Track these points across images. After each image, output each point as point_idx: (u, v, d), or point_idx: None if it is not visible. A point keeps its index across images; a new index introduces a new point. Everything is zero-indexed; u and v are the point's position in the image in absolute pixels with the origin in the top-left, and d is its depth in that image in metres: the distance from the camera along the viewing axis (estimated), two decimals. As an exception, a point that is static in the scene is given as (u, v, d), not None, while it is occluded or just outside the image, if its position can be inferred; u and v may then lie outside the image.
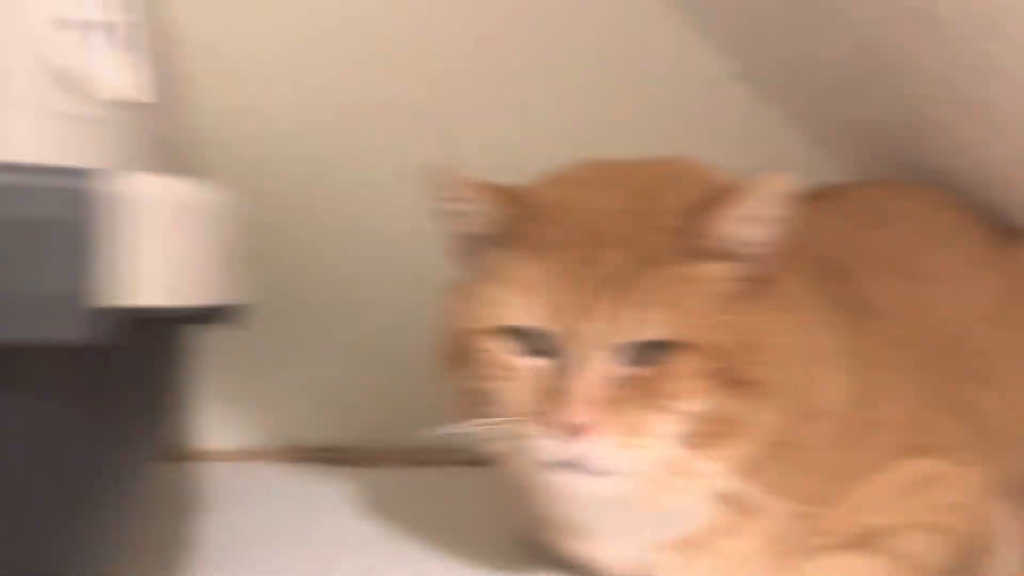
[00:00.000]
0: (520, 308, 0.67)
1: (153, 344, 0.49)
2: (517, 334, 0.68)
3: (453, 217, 0.72)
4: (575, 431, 0.64)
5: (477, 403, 0.70)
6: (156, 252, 0.32)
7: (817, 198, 0.99)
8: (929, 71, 0.88)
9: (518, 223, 0.70)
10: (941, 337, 0.85)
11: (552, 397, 0.65)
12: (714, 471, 0.67)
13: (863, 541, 0.73)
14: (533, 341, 0.68)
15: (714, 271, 0.67)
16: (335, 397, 1.20)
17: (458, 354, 0.71)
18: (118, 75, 0.34)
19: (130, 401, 0.45)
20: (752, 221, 0.67)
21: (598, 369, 0.65)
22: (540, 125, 1.18)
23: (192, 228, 0.34)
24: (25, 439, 0.34)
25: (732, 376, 0.65)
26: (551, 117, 1.19)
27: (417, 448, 1.16)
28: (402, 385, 1.09)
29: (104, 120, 0.34)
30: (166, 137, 0.43)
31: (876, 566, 0.72)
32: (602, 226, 0.67)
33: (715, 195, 0.67)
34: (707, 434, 0.66)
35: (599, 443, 0.64)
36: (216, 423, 1.19)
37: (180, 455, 1.14)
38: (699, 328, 0.65)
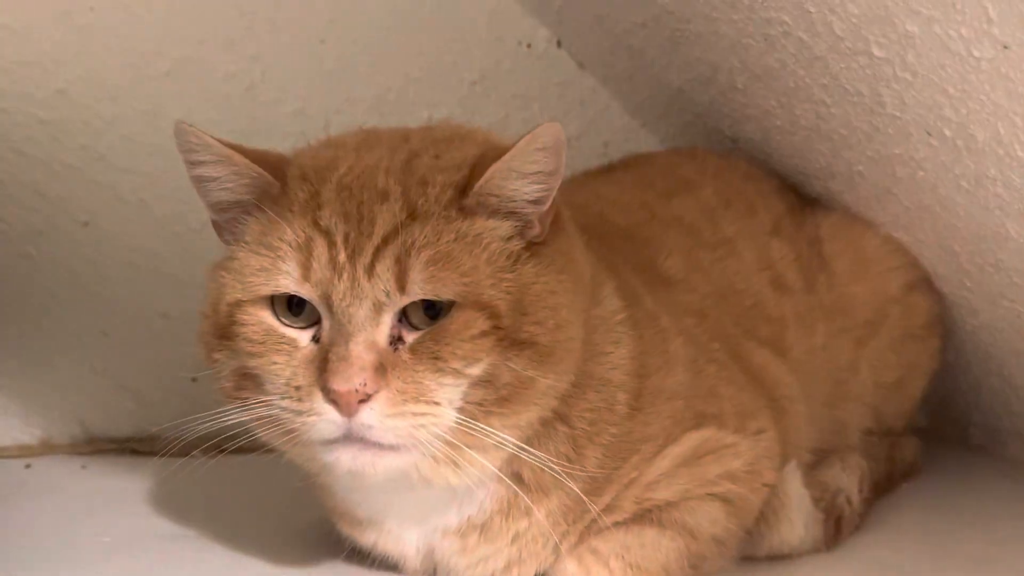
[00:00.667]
0: (282, 273, 0.62)
1: None
2: (284, 303, 0.63)
3: (206, 182, 0.66)
4: (348, 400, 0.59)
5: (243, 384, 0.65)
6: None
7: (618, 167, 0.98)
8: (726, 37, 0.88)
9: (276, 186, 0.65)
10: (733, 305, 0.85)
11: (321, 366, 0.60)
12: (499, 440, 0.63)
13: (651, 516, 0.72)
14: (304, 310, 0.63)
15: (489, 228, 0.64)
16: (135, 384, 1.11)
17: (221, 331, 0.65)
18: None
19: None
20: (523, 175, 0.64)
21: (369, 332, 0.60)
22: (347, 89, 1.13)
23: None
24: None
25: (512, 337, 0.62)
26: (360, 80, 1.13)
27: (225, 436, 1.11)
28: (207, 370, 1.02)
29: None
30: None
31: (664, 540, 0.71)
32: (372, 183, 0.63)
33: (488, 152, 0.65)
34: (490, 400, 0.63)
35: (375, 412, 0.60)
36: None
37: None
38: (476, 286, 0.62)
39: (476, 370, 0.62)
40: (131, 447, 1.09)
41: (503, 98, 1.16)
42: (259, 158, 0.65)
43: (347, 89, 1.12)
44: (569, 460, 0.68)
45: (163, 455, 1.04)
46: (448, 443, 0.62)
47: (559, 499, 0.69)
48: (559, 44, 1.15)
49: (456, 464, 0.64)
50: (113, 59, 1.05)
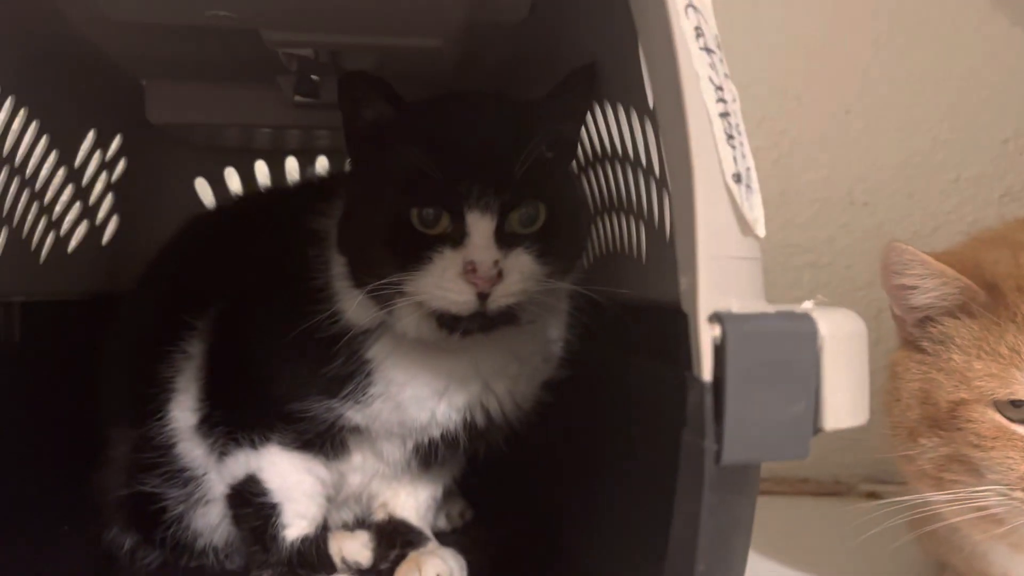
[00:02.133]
0: (1019, 382, 0.67)
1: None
2: (1011, 404, 0.68)
3: (908, 290, 0.72)
4: None
5: (951, 468, 0.70)
6: (844, 378, 0.39)
7: None
8: None
9: (983, 295, 0.69)
10: None
11: None
12: None
13: None
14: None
15: None
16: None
17: (937, 422, 0.71)
18: (760, 215, 0.41)
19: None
20: None
21: None
22: (872, 155, 1.18)
23: (859, 354, 0.40)
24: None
25: None
26: (886, 146, 1.18)
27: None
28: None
29: (759, 258, 0.42)
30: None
31: None
32: None
33: None
34: None
35: None
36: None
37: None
38: None
39: None
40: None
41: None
42: (966, 269, 0.70)
43: (872, 155, 1.18)
44: None
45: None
46: None
47: None
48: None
49: None
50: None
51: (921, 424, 0.72)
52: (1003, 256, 0.72)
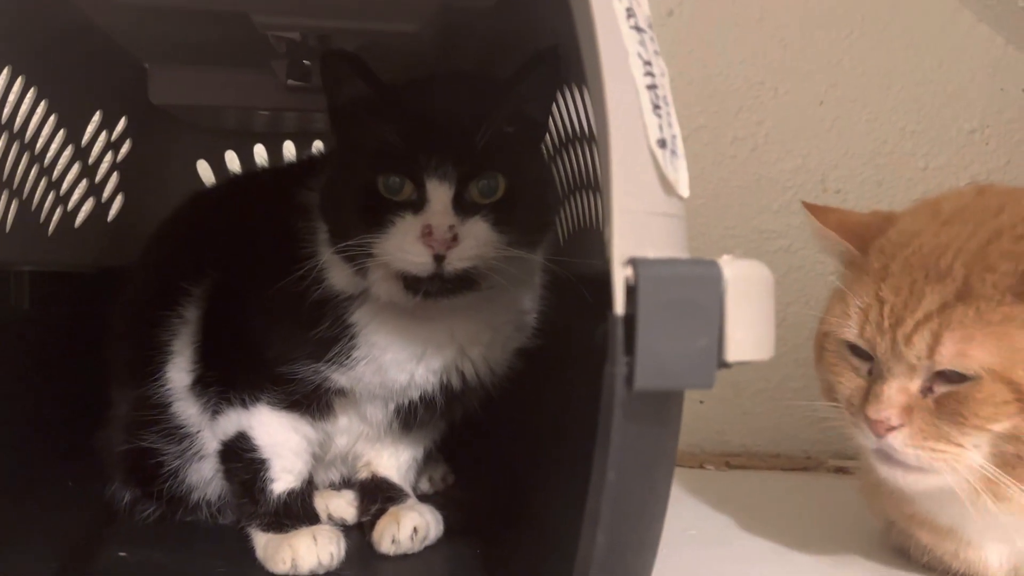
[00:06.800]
0: (847, 327, 0.77)
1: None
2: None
3: (820, 241, 0.84)
4: (875, 427, 0.73)
5: (827, 390, 0.83)
6: (747, 317, 0.44)
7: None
8: None
9: (859, 256, 0.79)
10: None
11: (865, 395, 0.76)
12: None
13: None
14: (861, 349, 0.77)
15: None
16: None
17: (819, 351, 0.83)
18: (684, 178, 0.47)
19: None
20: None
21: (902, 381, 0.73)
22: (844, 144, 1.23)
23: (762, 297, 0.46)
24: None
25: None
26: (857, 136, 1.23)
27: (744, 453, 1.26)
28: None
29: (682, 215, 0.47)
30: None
31: None
32: (935, 263, 0.73)
33: None
34: (1015, 454, 0.70)
35: (898, 440, 0.73)
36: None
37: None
38: (1008, 366, 0.69)
39: (998, 427, 0.70)
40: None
41: (1005, 145, 1.19)
42: (853, 229, 0.80)
43: (844, 145, 1.23)
44: None
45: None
46: (984, 478, 0.71)
47: None
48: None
49: (996, 496, 0.72)
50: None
51: (815, 353, 0.85)
52: (910, 217, 0.80)
